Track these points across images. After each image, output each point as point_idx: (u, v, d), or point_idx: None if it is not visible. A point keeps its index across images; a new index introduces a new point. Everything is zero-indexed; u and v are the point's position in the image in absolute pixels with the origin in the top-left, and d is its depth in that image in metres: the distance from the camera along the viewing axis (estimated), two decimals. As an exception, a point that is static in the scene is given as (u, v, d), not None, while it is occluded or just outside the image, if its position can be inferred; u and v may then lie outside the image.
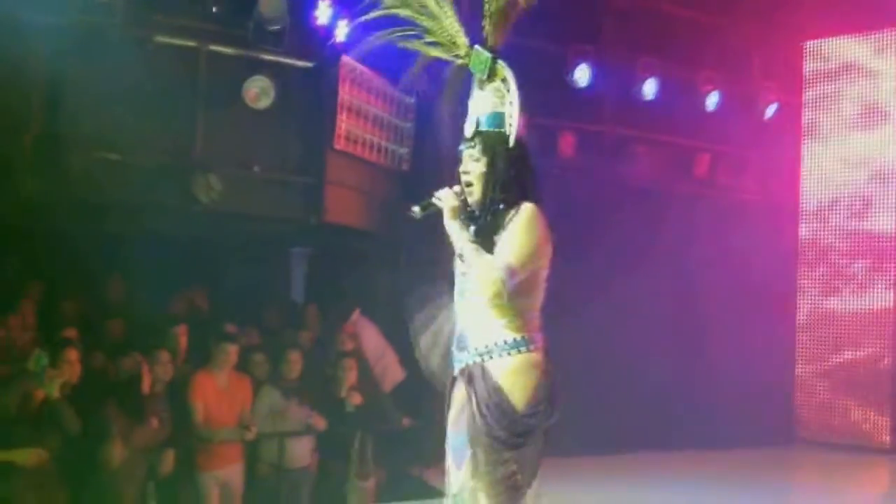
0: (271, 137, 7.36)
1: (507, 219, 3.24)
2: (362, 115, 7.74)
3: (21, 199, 6.44)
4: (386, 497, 6.99)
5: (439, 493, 3.74)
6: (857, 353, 9.99)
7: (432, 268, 3.53)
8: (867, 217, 10.05)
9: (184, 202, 6.81)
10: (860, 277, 10.07)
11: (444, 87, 3.51)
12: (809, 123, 10.44)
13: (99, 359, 6.22)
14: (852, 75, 10.17)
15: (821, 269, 10.36)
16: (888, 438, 9.77)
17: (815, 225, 10.41)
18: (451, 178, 3.43)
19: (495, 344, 3.23)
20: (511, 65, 3.38)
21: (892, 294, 9.80)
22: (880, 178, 9.98)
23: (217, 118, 7.01)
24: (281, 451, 6.59)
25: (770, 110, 10.14)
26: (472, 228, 3.29)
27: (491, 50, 3.36)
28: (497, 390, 3.19)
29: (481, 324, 3.26)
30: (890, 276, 9.86)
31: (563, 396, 3.29)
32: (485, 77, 3.36)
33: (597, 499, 7.33)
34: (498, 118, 3.35)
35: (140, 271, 7.08)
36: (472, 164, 3.32)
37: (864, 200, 10.07)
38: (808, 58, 10.44)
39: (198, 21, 6.94)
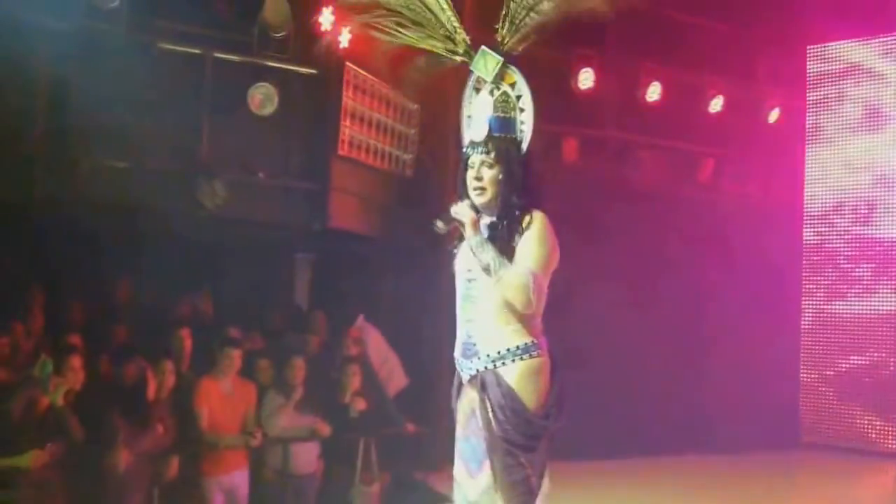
0: (275, 143, 7.38)
1: (523, 225, 3.25)
2: (366, 121, 7.77)
3: (26, 204, 6.46)
4: (391, 502, 6.98)
5: (444, 498, 3.74)
6: (862, 357, 9.96)
7: (435, 273, 3.52)
8: (872, 221, 10.04)
9: (188, 207, 6.83)
10: (865, 281, 10.05)
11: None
12: (813, 127, 10.44)
13: (103, 364, 6.21)
14: (856, 79, 10.18)
15: (825, 274, 10.34)
16: (894, 443, 9.74)
17: (819, 229, 10.40)
18: (454, 182, 3.43)
19: (507, 350, 3.24)
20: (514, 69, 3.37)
21: (896, 298, 9.79)
22: (884, 182, 9.97)
23: (221, 124, 7.02)
24: (286, 456, 6.58)
25: (774, 114, 10.14)
26: (488, 234, 3.28)
27: (503, 54, 3.36)
28: (512, 395, 3.20)
29: (491, 330, 3.26)
30: (895, 279, 9.84)
31: (570, 399, 3.30)
32: (491, 80, 3.36)
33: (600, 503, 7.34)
34: (508, 123, 3.35)
35: (144, 276, 7.09)
36: (486, 171, 3.32)
37: (868, 204, 10.06)
38: (811, 62, 10.44)
39: (202, 28, 6.97)
